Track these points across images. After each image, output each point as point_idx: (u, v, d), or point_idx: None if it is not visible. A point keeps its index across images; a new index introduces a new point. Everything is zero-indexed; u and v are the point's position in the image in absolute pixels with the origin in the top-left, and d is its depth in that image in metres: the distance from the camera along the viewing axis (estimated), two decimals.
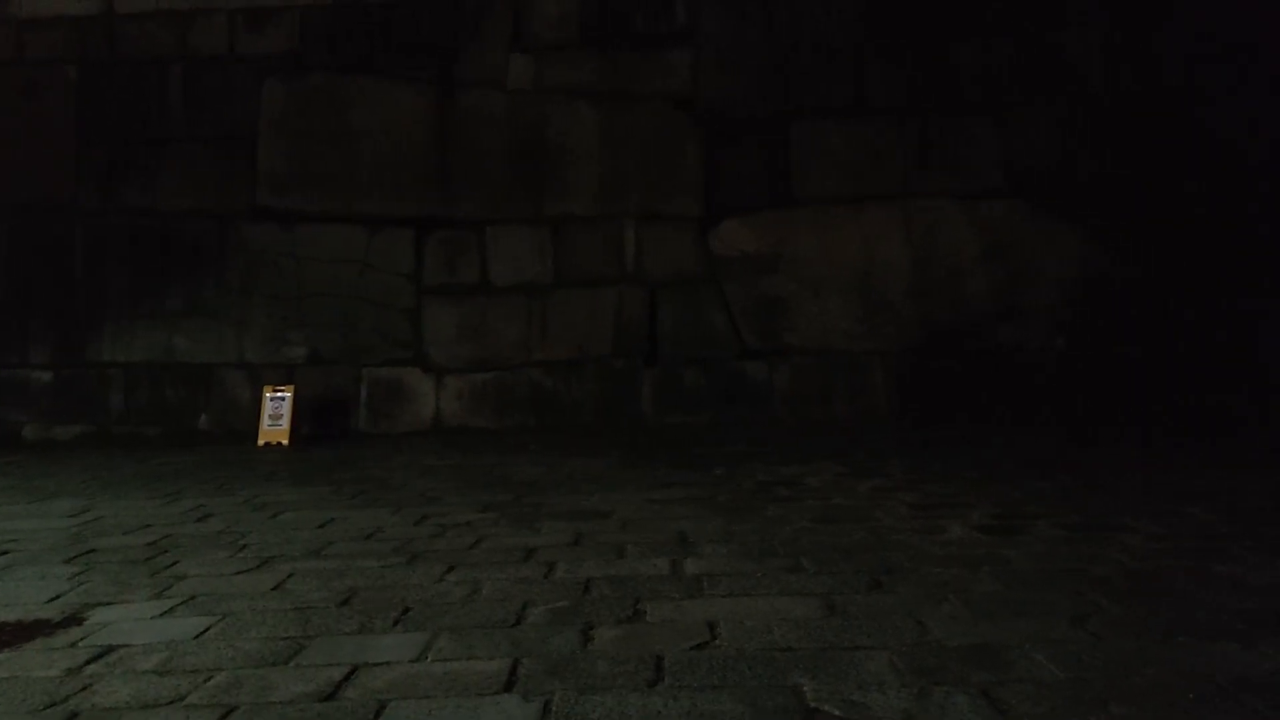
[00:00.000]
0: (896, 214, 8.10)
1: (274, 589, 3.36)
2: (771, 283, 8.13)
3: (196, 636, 2.81)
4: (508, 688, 2.29)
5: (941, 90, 8.08)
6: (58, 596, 3.36)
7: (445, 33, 8.35)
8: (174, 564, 3.83)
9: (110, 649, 2.72)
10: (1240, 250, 7.82)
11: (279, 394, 8.01)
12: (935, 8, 8.10)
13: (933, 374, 7.99)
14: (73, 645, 2.77)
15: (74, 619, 3.06)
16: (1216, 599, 2.87)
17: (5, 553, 4.15)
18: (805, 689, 2.20)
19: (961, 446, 6.55)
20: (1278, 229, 7.76)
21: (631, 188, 8.24)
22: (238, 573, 3.63)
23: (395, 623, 2.88)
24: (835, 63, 8.14)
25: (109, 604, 3.23)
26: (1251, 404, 7.46)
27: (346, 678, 2.40)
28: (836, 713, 2.05)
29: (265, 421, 7.98)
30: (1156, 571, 3.23)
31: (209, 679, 2.43)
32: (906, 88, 8.09)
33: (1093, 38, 8.01)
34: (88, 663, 2.60)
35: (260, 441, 7.91)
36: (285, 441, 7.89)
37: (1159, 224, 7.92)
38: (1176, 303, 7.86)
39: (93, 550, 4.15)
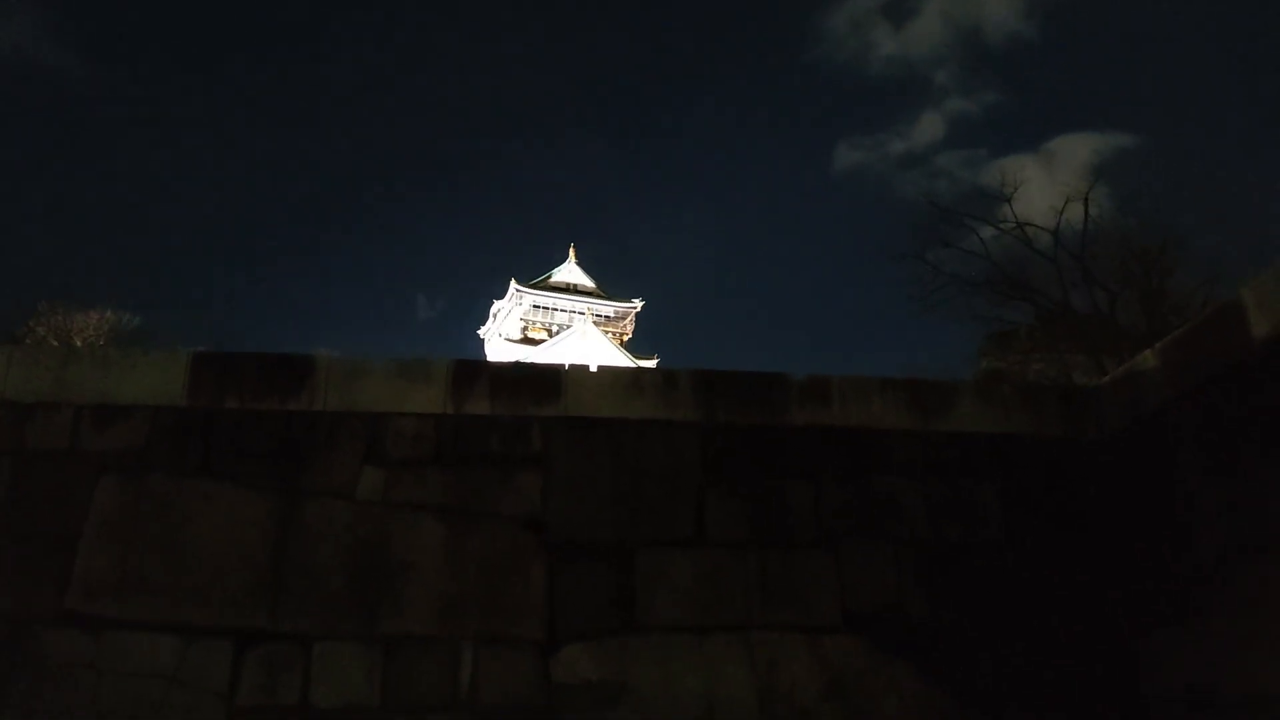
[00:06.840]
0: (740, 645, 8.05)
1: None
2: (613, 717, 7.77)
3: None
4: None
5: (779, 527, 8.40)
6: None
7: (298, 441, 8.37)
8: None
9: None
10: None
11: None
12: (769, 453, 8.64)
13: None
14: None
15: None
16: None
17: None
18: None
19: None
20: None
21: (473, 607, 8.01)
22: None
23: None
24: (678, 497, 8.44)
25: None
26: None
27: None
28: None
29: None
30: None
31: None
32: (747, 523, 8.39)
33: (917, 486, 8.61)
34: None
35: None
36: None
37: (995, 668, 8.11)
38: None
39: None
